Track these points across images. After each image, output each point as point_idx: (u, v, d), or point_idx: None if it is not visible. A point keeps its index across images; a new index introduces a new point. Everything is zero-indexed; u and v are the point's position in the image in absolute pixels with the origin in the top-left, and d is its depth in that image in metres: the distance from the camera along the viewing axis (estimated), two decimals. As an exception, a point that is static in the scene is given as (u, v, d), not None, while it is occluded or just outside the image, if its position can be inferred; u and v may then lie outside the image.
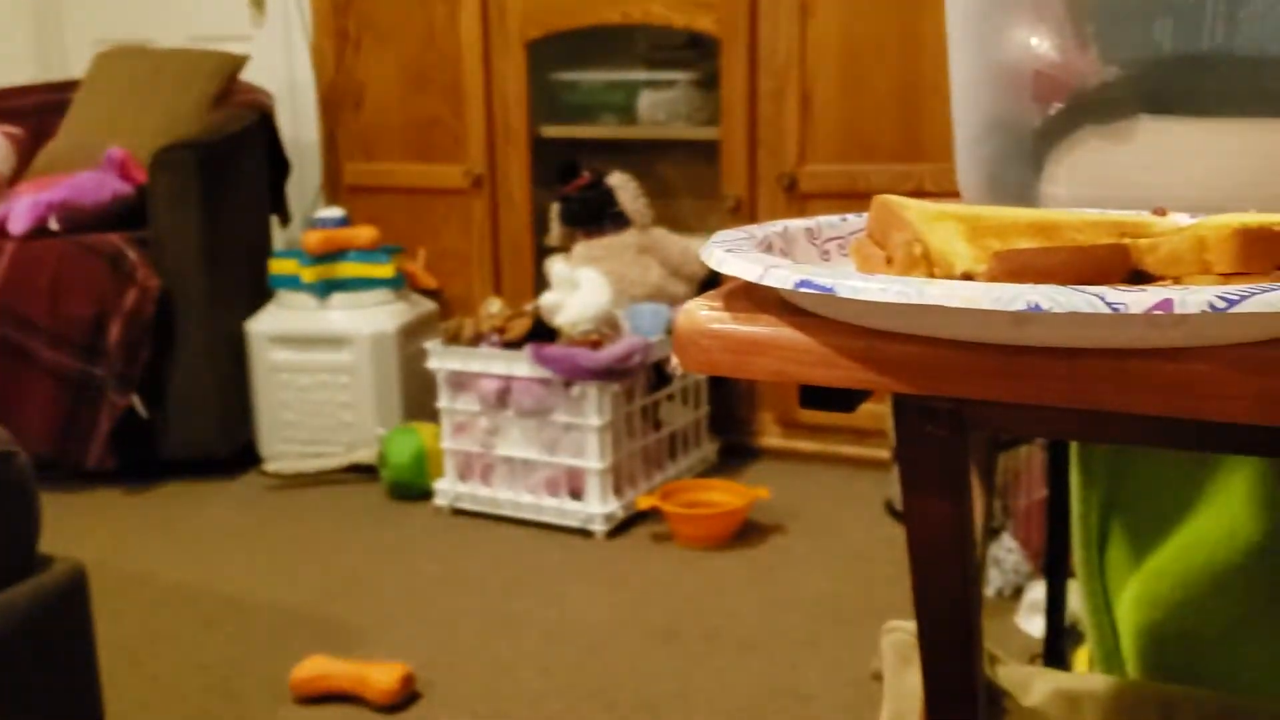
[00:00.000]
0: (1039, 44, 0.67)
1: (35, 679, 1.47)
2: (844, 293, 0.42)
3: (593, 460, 2.34)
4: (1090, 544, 0.90)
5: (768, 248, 0.55)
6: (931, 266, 0.50)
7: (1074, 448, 0.91)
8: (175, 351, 2.65)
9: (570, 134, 2.92)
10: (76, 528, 2.42)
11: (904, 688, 0.77)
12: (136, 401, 2.59)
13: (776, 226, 0.58)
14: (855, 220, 0.61)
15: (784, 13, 2.58)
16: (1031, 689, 0.76)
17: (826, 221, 0.60)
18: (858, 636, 1.90)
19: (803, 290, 0.43)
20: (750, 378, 0.50)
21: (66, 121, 3.09)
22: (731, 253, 0.50)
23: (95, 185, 2.75)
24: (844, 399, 0.53)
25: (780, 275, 0.45)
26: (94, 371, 2.59)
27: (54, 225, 2.67)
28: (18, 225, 2.66)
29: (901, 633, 0.79)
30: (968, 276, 0.49)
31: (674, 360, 0.50)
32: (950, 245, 0.51)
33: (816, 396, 0.53)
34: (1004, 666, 0.78)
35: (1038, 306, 0.39)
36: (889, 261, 0.51)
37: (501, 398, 2.42)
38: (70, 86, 3.23)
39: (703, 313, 0.50)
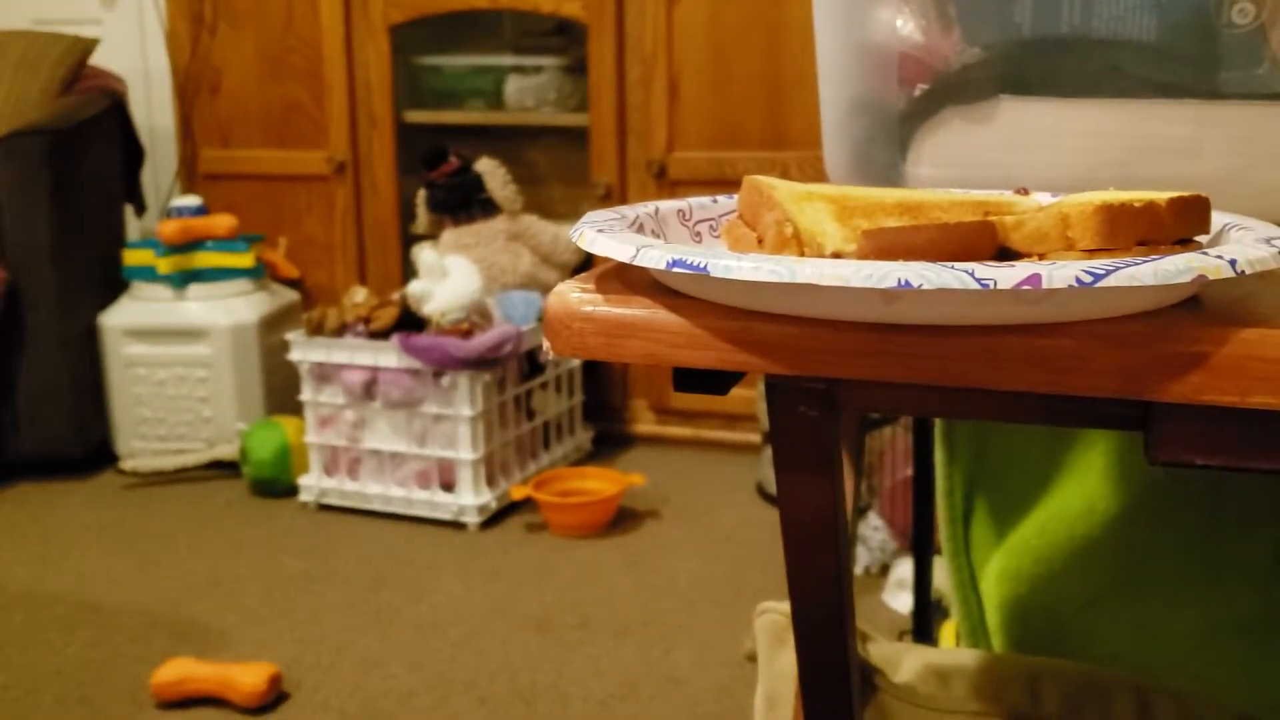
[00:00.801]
0: (904, 25, 0.68)
1: None
2: (716, 272, 0.42)
3: (465, 451, 2.31)
4: (955, 520, 0.92)
5: (639, 228, 0.54)
6: (802, 246, 0.49)
7: (938, 426, 0.93)
8: (24, 347, 2.52)
9: (436, 120, 2.88)
10: (-86, 535, 2.28)
11: (777, 668, 0.78)
12: (-22, 400, 2.46)
13: (648, 207, 0.57)
14: (726, 201, 0.60)
15: (651, -1, 2.58)
16: (901, 665, 0.77)
17: (698, 203, 0.60)
18: (731, 619, 1.92)
19: (675, 270, 0.43)
20: (623, 361, 0.50)
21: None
22: (603, 233, 0.49)
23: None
24: (717, 381, 0.52)
25: (653, 255, 0.44)
26: (-70, 369, 2.44)
27: (-117, 214, 2.51)
28: None
29: (774, 614, 0.79)
30: (837, 256, 0.49)
31: (546, 345, 0.50)
32: (819, 225, 0.51)
33: (690, 379, 0.52)
34: (874, 644, 0.79)
35: (908, 283, 0.39)
36: (760, 242, 0.51)
37: (368, 389, 2.37)
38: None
39: (574, 295, 0.49)
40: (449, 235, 2.61)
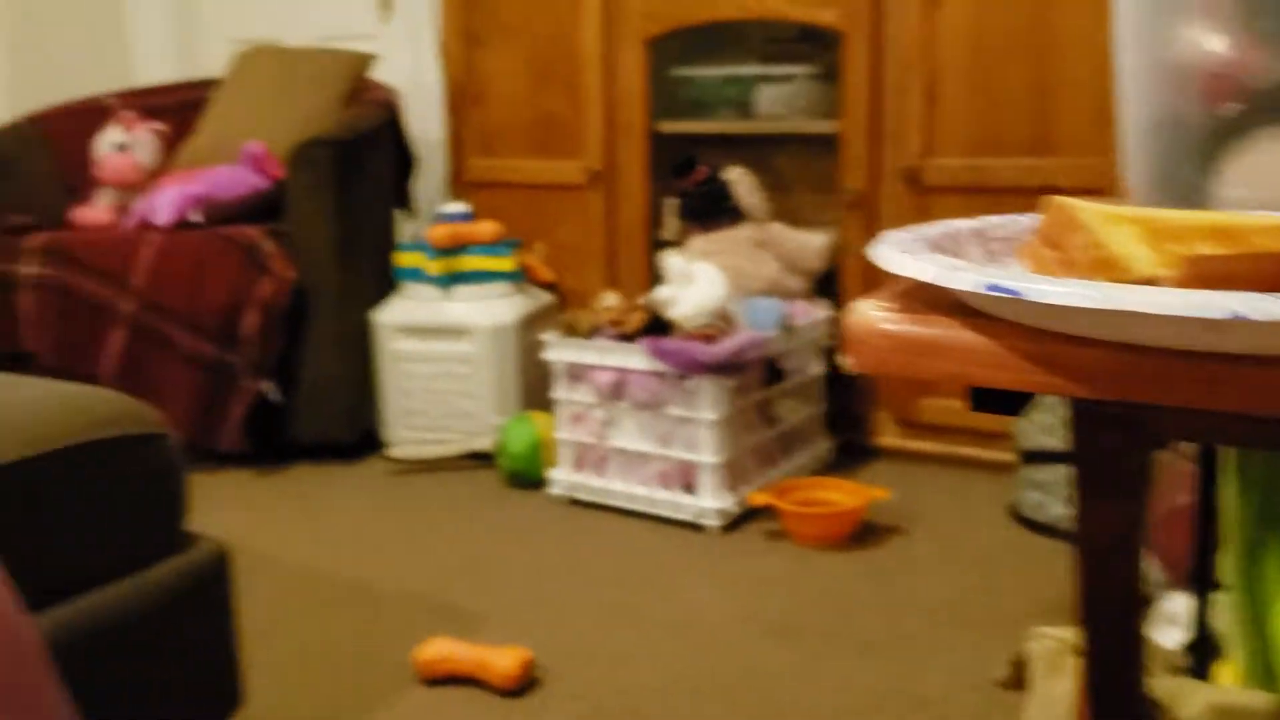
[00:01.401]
0: (1210, 43, 0.65)
1: (178, 653, 1.53)
2: (1032, 296, 0.42)
3: (706, 454, 2.35)
4: (1244, 555, 0.88)
5: (937, 248, 0.55)
6: (1112, 270, 0.49)
7: (1229, 455, 0.89)
8: (307, 341, 2.73)
9: (688, 129, 2.93)
10: (210, 508, 2.51)
11: (1052, 694, 0.76)
12: (269, 387, 2.68)
13: (943, 227, 0.58)
14: (1023, 220, 0.60)
15: (911, 6, 2.55)
16: (1186, 702, 0.74)
17: (994, 222, 0.60)
18: (983, 642, 1.88)
19: (991, 293, 0.43)
20: (924, 378, 0.51)
21: (207, 118, 3.20)
22: (907, 254, 0.50)
23: (234, 179, 2.85)
24: (1012, 402, 0.53)
25: (966, 278, 0.45)
26: (228, 358, 2.68)
27: (195, 217, 2.77)
28: (162, 217, 2.77)
29: (1050, 639, 0.78)
30: (1150, 280, 0.48)
31: (846, 358, 0.51)
32: (1129, 248, 0.51)
33: (986, 399, 0.53)
34: (1156, 678, 0.77)
35: (1241, 315, 0.38)
36: (1067, 264, 0.51)
37: (616, 390, 2.44)
38: (208, 85, 3.35)
39: (875, 313, 0.51)
40: (697, 242, 2.65)
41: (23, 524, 1.36)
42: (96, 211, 3.01)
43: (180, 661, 1.54)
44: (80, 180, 3.12)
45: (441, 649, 1.81)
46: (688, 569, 2.19)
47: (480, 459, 2.74)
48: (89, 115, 3.22)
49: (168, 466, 1.53)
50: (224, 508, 2.55)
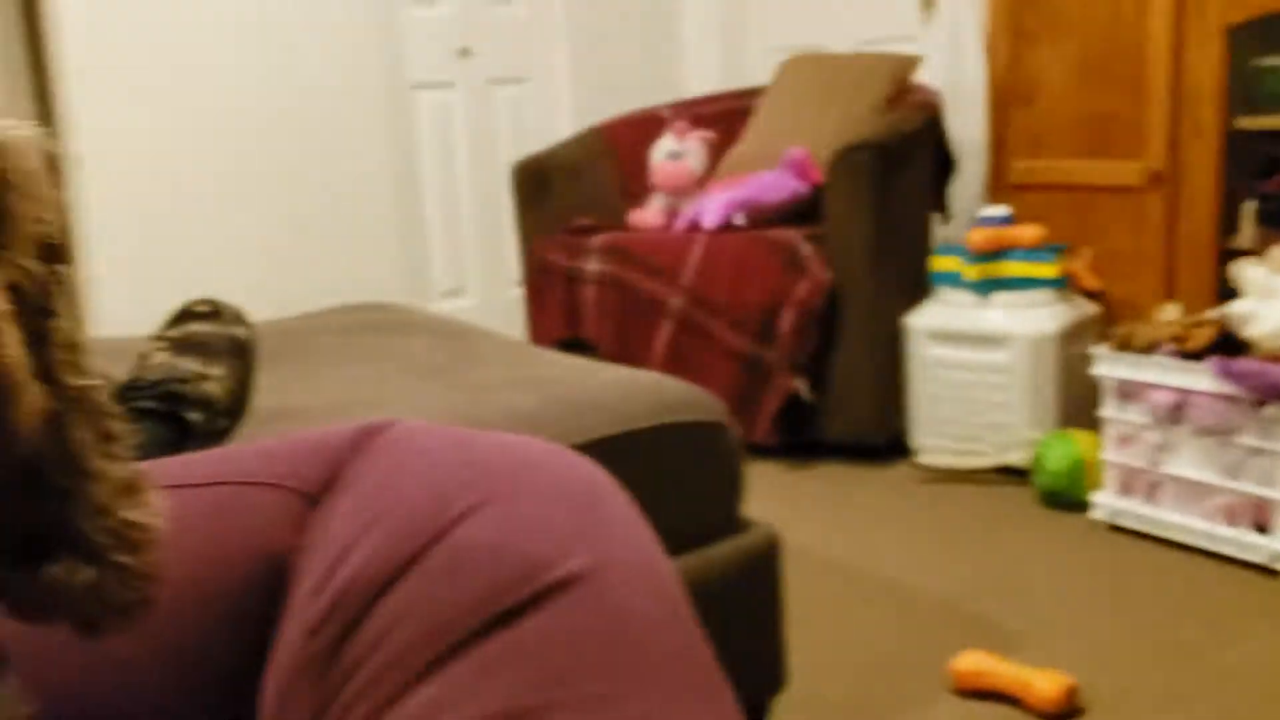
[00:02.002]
0: None
1: (731, 630, 1.60)
2: None
3: (1284, 490, 2.08)
4: None
5: None
6: None
7: None
8: (839, 341, 2.78)
9: (1272, 125, 2.62)
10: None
11: None
12: (801, 385, 2.76)
13: None
14: None
15: None
16: None
17: None
18: None
19: None
20: None
21: (752, 125, 3.36)
22: None
23: (776, 184, 2.97)
24: None
25: None
26: (765, 355, 2.79)
27: (739, 221, 2.92)
28: (709, 220, 2.94)
29: None
30: None
31: None
32: None
33: None
34: None
35: None
36: None
37: (1175, 412, 2.23)
38: (752, 93, 3.52)
39: None
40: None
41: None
42: (651, 214, 3.25)
43: (732, 638, 1.61)
44: (638, 185, 3.39)
45: (979, 662, 1.76)
46: (1255, 614, 1.96)
47: (1012, 474, 2.63)
48: (646, 125, 3.49)
49: (729, 452, 1.62)
50: (757, 497, 2.65)
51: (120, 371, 1.39)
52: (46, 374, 0.46)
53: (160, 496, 0.67)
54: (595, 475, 0.74)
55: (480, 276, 4.05)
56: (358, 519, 0.68)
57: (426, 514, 0.66)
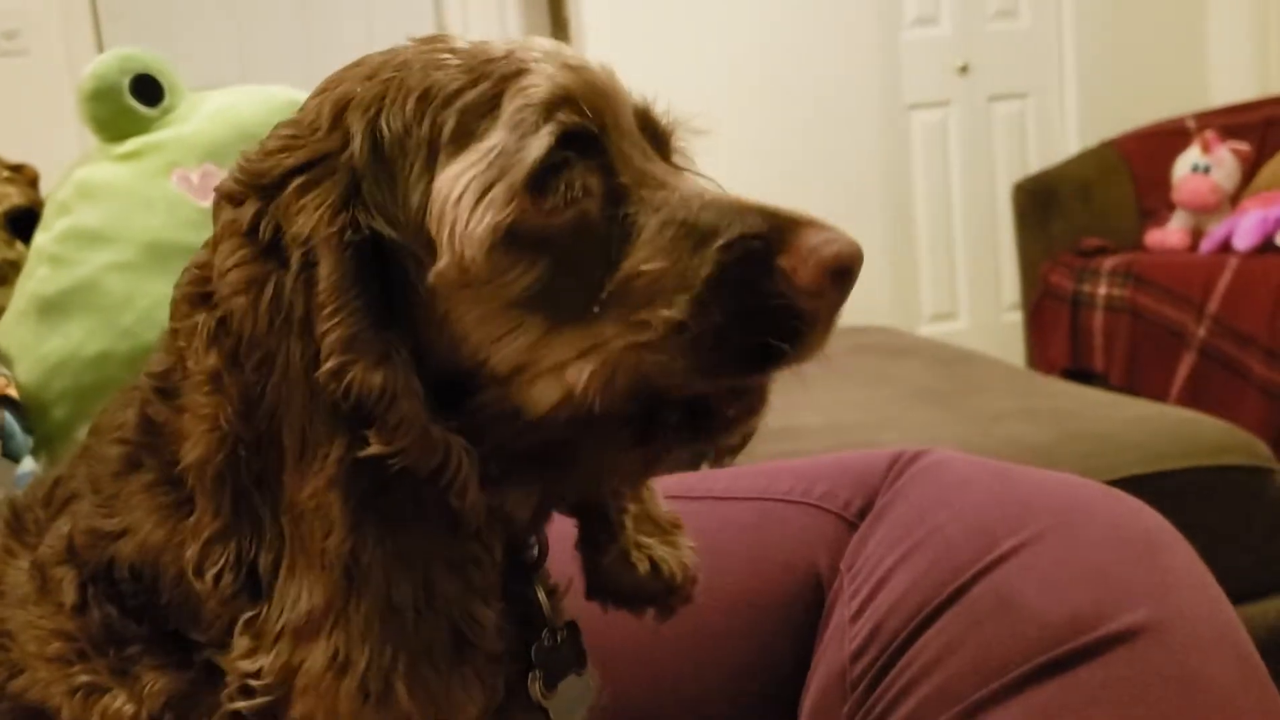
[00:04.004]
0: None
1: None
2: None
3: None
4: None
5: None
6: None
7: None
8: None
9: None
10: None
11: None
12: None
13: None
14: None
15: None
16: None
17: None
18: None
19: None
20: None
21: (1297, 133, 2.99)
22: None
23: (1328, 198, 2.62)
24: None
25: None
26: (1309, 393, 2.46)
27: (1279, 241, 2.60)
28: (1243, 241, 2.65)
29: None
30: None
31: None
32: None
33: None
34: None
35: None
36: None
37: None
38: (1298, 98, 3.13)
39: None
40: None
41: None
42: (1172, 235, 2.99)
43: None
44: (1156, 204, 3.13)
45: None
46: None
47: None
48: (1166, 138, 3.22)
49: (1276, 502, 1.44)
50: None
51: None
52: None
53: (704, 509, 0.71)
54: (1156, 522, 0.68)
55: (973, 300, 3.93)
56: (897, 547, 0.67)
57: (970, 548, 0.64)
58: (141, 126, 0.92)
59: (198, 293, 0.48)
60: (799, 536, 0.72)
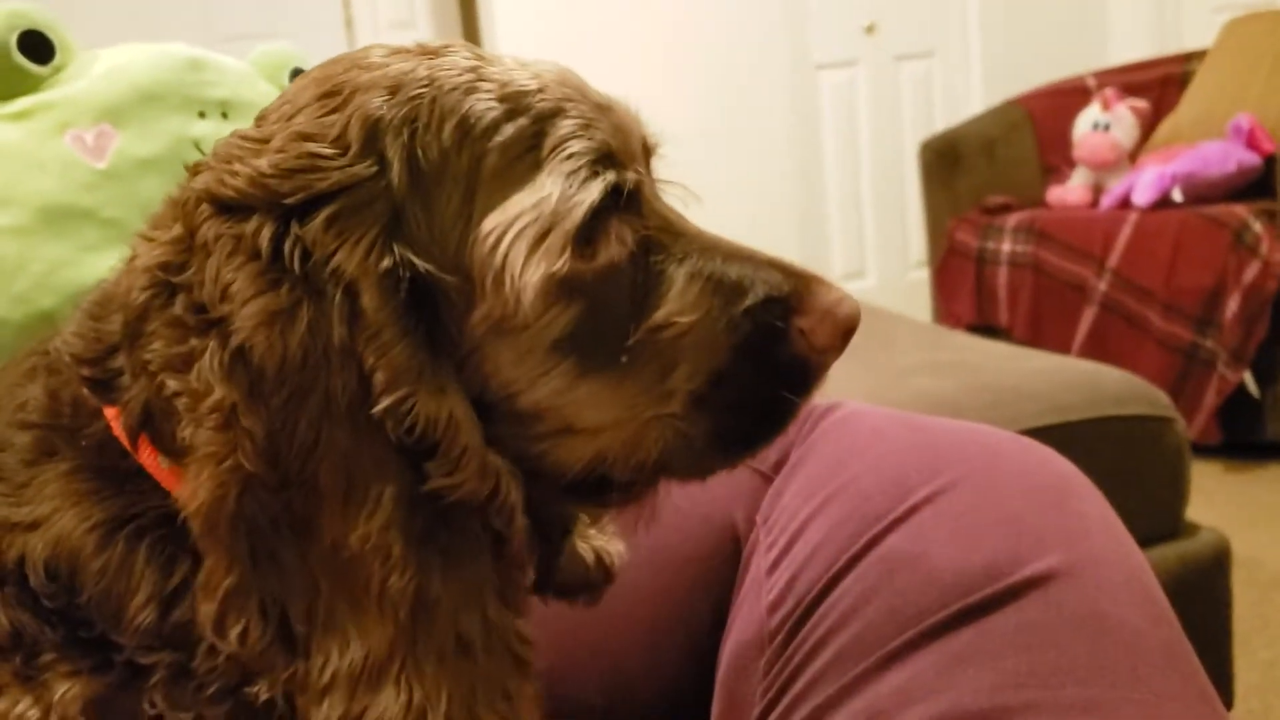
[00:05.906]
0: None
1: (1171, 642, 1.47)
2: None
3: None
4: None
5: None
6: None
7: None
8: (1286, 334, 2.49)
9: None
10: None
11: None
12: (1248, 378, 2.49)
13: None
14: None
15: None
16: None
17: None
18: None
19: None
20: None
21: (1189, 93, 3.07)
22: None
23: (1219, 156, 2.69)
24: None
25: None
26: (1204, 344, 2.54)
27: (1176, 197, 2.67)
28: (1142, 196, 2.72)
29: None
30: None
31: None
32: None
33: None
34: None
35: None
36: None
37: None
38: (1189, 58, 3.21)
39: None
40: None
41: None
42: (1073, 191, 3.06)
43: (1172, 651, 1.48)
44: (1058, 161, 3.20)
45: None
46: None
47: None
48: (1068, 96, 3.28)
49: (1174, 450, 1.48)
50: (1197, 502, 2.43)
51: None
52: None
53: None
54: (1067, 469, 0.70)
55: (881, 258, 3.99)
56: (812, 498, 0.68)
57: (884, 498, 0.65)
58: (31, 85, 0.88)
59: (195, 316, 0.44)
60: (715, 490, 0.73)
